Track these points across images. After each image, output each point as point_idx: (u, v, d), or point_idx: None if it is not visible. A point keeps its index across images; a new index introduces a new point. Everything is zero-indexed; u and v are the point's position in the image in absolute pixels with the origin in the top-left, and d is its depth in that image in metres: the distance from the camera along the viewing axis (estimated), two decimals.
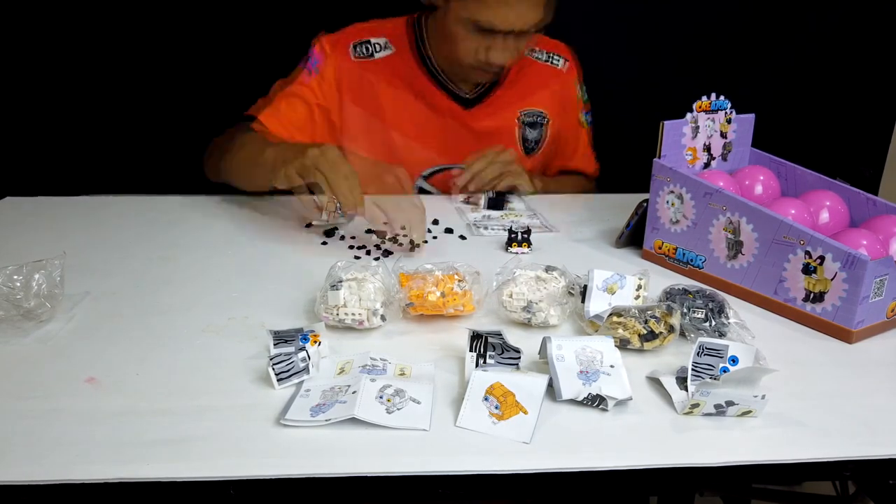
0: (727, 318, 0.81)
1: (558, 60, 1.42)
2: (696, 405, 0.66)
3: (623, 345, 0.77)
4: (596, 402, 0.68)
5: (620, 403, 0.68)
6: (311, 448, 0.62)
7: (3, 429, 0.64)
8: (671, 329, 0.78)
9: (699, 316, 0.81)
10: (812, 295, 0.84)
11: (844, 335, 0.82)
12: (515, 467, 0.60)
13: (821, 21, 1.77)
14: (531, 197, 1.33)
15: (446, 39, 1.27)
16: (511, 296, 0.83)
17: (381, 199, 1.03)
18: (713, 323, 0.80)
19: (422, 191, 1.40)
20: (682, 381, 0.71)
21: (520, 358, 0.72)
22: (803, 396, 0.71)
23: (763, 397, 0.65)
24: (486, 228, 1.18)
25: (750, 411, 0.66)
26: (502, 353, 0.72)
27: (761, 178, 1.03)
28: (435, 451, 0.62)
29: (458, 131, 1.36)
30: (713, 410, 0.67)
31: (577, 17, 1.72)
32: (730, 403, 0.66)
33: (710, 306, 0.82)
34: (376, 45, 1.34)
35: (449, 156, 1.36)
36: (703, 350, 0.71)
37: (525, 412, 0.66)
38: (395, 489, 0.60)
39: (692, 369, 0.70)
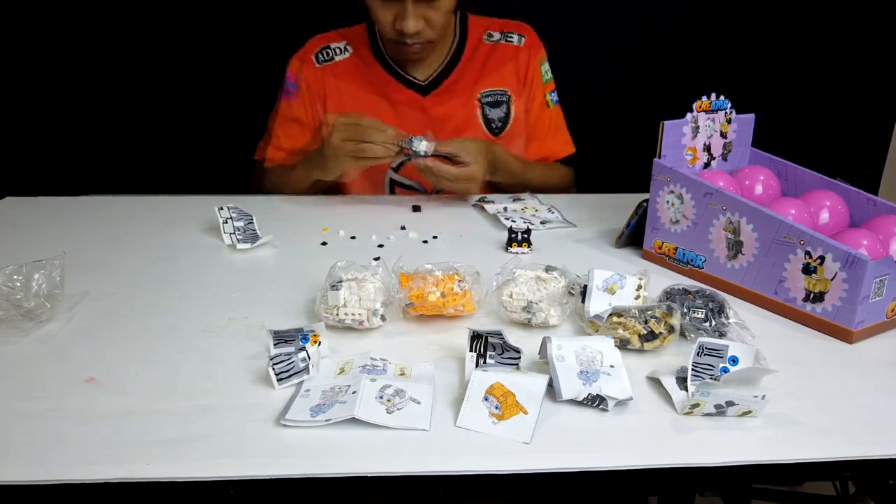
0: (727, 318, 0.81)
1: (513, 37, 1.43)
2: (696, 405, 0.66)
3: (623, 345, 0.77)
4: (596, 402, 0.68)
5: (620, 403, 0.68)
6: (311, 448, 0.62)
7: (3, 429, 0.64)
8: (671, 329, 0.78)
9: (699, 316, 0.81)
10: (812, 295, 0.84)
11: (844, 335, 0.82)
12: (515, 467, 0.60)
13: (821, 21, 1.77)
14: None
15: (372, 20, 1.31)
16: (511, 296, 0.83)
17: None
18: (713, 323, 0.80)
19: (395, 183, 1.42)
20: (682, 381, 0.71)
21: (520, 358, 0.72)
22: (803, 396, 0.71)
23: (763, 397, 0.65)
24: (512, 221, 1.18)
25: (750, 411, 0.66)
26: (502, 353, 0.72)
27: (761, 178, 1.03)
28: (435, 451, 0.62)
29: (419, 119, 1.39)
30: (713, 410, 0.67)
31: (577, 16, 1.72)
32: (730, 403, 0.66)
33: (710, 306, 0.82)
34: (336, 49, 1.41)
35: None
36: (703, 350, 0.71)
37: (525, 412, 0.66)
38: (395, 489, 0.60)
39: (692, 369, 0.70)
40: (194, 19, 1.66)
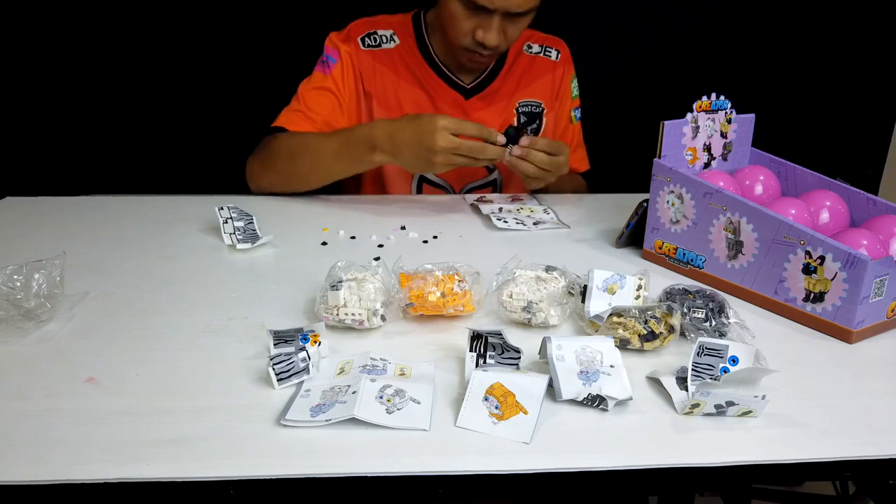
0: (727, 318, 0.81)
1: (551, 52, 1.45)
2: (696, 405, 0.66)
3: (623, 345, 0.77)
4: (596, 402, 0.68)
5: (620, 403, 0.68)
6: (311, 448, 0.62)
7: (3, 429, 0.64)
8: (671, 329, 0.78)
9: (699, 316, 0.81)
10: (812, 295, 0.84)
11: (844, 335, 0.82)
12: (515, 467, 0.60)
13: (821, 21, 1.77)
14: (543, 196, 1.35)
15: (444, 24, 1.29)
16: (511, 296, 0.83)
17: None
18: (713, 323, 0.80)
19: (427, 181, 1.41)
20: (682, 381, 0.71)
21: (520, 358, 0.72)
22: (803, 396, 0.71)
23: (763, 397, 0.65)
24: (504, 221, 1.18)
25: (750, 411, 0.66)
26: (502, 353, 0.72)
27: (761, 178, 1.03)
28: (435, 451, 0.62)
29: (465, 118, 1.37)
30: (713, 410, 0.67)
31: (578, 16, 1.72)
32: (730, 403, 0.66)
33: (711, 306, 0.82)
34: (384, 37, 1.38)
35: None
36: (703, 350, 0.71)
37: (525, 412, 0.66)
38: (396, 489, 0.60)
39: (692, 369, 0.70)
40: (194, 18, 1.66)
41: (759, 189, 1.02)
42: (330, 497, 0.61)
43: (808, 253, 0.83)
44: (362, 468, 0.60)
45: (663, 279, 0.96)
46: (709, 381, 0.68)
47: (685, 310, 0.81)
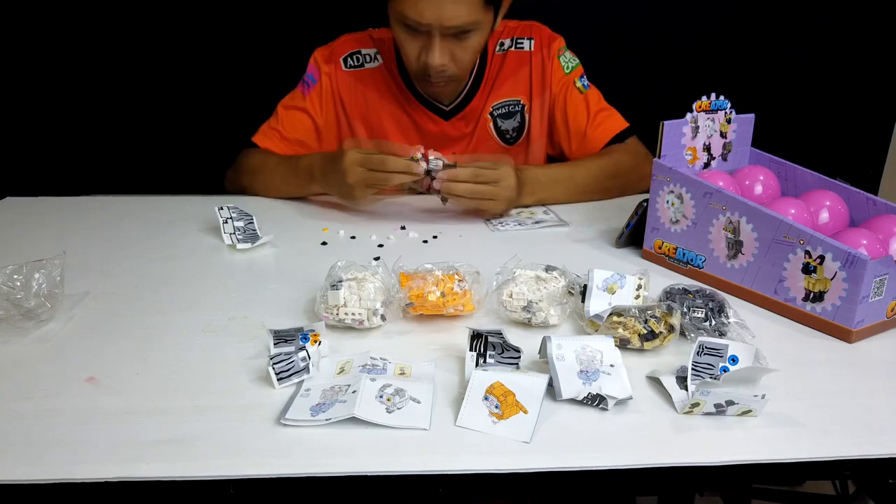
0: (727, 317, 0.81)
1: (523, 42, 1.38)
2: (696, 405, 0.66)
3: (623, 344, 0.77)
4: (596, 401, 0.68)
5: (620, 403, 0.68)
6: (311, 448, 0.62)
7: (3, 428, 0.64)
8: (671, 329, 0.78)
9: (699, 315, 0.81)
10: (812, 294, 0.84)
11: (844, 335, 0.82)
12: (515, 467, 0.60)
13: (821, 21, 1.77)
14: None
15: (400, 52, 1.27)
16: (511, 296, 0.83)
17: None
18: (713, 322, 0.80)
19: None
20: (682, 381, 0.71)
21: (520, 357, 0.72)
22: (803, 396, 0.71)
23: (763, 397, 0.65)
24: (502, 224, 1.18)
25: (750, 411, 0.66)
26: (502, 352, 0.72)
27: (761, 177, 1.03)
28: (435, 451, 0.62)
29: (442, 140, 1.38)
30: (713, 410, 0.67)
31: (578, 16, 1.72)
32: (730, 403, 0.66)
33: (710, 306, 0.82)
34: (367, 56, 1.37)
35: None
36: (703, 349, 0.71)
37: (525, 412, 0.66)
38: (396, 489, 0.60)
39: (692, 369, 0.70)
40: (194, 18, 1.66)
41: (758, 189, 1.02)
42: (330, 496, 0.61)
43: (807, 252, 0.83)
44: (362, 468, 0.60)
45: (663, 279, 0.96)
46: (709, 380, 0.68)
47: (685, 309, 0.81)
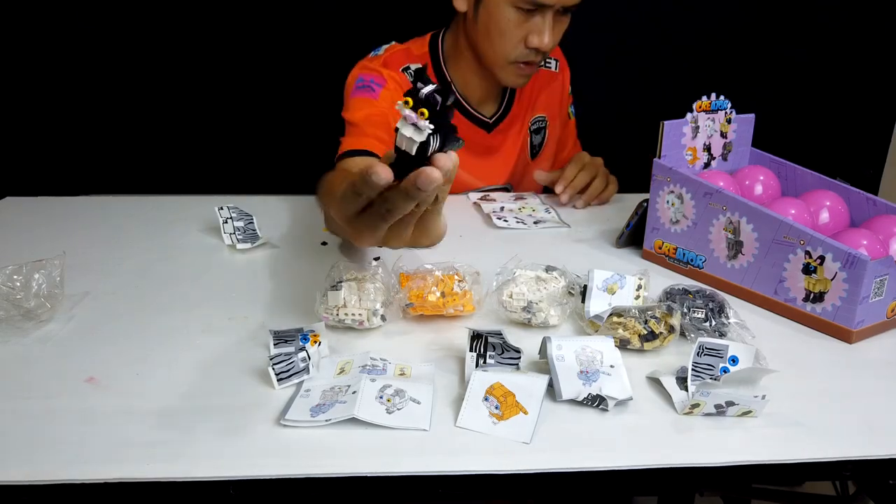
0: (727, 318, 0.81)
1: (551, 62, 1.44)
2: (696, 405, 0.66)
3: (623, 345, 0.77)
4: (596, 402, 0.68)
5: (621, 404, 0.68)
6: (311, 448, 0.62)
7: (3, 429, 0.64)
8: (671, 329, 0.78)
9: (699, 316, 0.81)
10: (812, 295, 0.84)
11: (844, 335, 0.82)
12: (515, 467, 0.60)
13: (821, 21, 1.77)
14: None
15: (491, 40, 1.22)
16: (511, 296, 0.83)
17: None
18: (713, 323, 0.80)
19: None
20: (682, 381, 0.71)
21: (520, 358, 0.72)
22: (803, 397, 0.71)
23: (763, 397, 0.65)
24: (504, 220, 1.19)
25: (750, 411, 0.66)
26: (502, 353, 0.72)
27: (761, 178, 1.03)
28: (435, 452, 0.62)
29: (486, 154, 1.39)
30: (713, 410, 0.67)
31: (578, 16, 1.72)
32: (730, 403, 0.66)
33: (710, 306, 0.82)
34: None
35: (483, 178, 1.40)
36: (703, 350, 0.71)
37: (525, 412, 0.66)
38: (395, 489, 0.60)
39: (692, 369, 0.70)
40: (194, 19, 1.66)
41: (759, 189, 1.02)
42: (330, 497, 0.61)
43: (807, 253, 0.83)
44: (362, 468, 0.60)
45: (663, 279, 0.96)
46: (709, 380, 0.68)
47: (685, 310, 0.81)
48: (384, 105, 1.20)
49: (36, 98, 1.70)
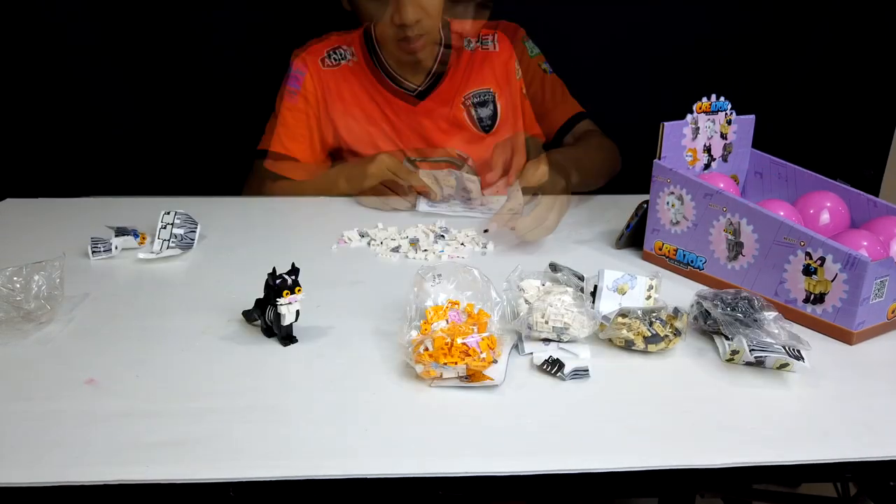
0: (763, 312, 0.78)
1: (488, 42, 1.48)
2: (736, 352, 0.71)
3: (628, 346, 0.77)
4: (555, 366, 0.72)
5: (578, 375, 0.72)
6: (311, 449, 0.62)
7: (3, 430, 0.64)
8: (677, 332, 0.77)
9: (736, 314, 0.77)
10: (812, 296, 0.84)
11: (845, 336, 0.82)
12: (515, 469, 0.60)
13: (821, 22, 1.77)
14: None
15: (374, 27, 1.36)
16: (545, 319, 0.78)
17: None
18: (751, 318, 0.77)
19: None
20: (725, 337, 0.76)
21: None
22: (804, 398, 0.71)
23: (799, 354, 0.70)
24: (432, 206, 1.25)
25: (787, 364, 0.71)
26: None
27: (828, 204, 0.97)
28: (435, 453, 0.62)
29: (411, 124, 1.45)
30: (752, 359, 0.72)
31: (577, 16, 1.72)
32: (766, 349, 0.71)
33: (742, 306, 0.79)
34: (343, 54, 1.44)
35: (409, 146, 1.46)
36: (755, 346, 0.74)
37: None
38: (395, 490, 0.60)
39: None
40: (194, 21, 1.66)
41: (825, 217, 0.96)
42: (330, 498, 0.61)
43: (808, 254, 0.83)
44: (362, 470, 0.60)
45: (663, 279, 0.95)
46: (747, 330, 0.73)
47: (721, 306, 0.78)
48: (300, 103, 1.41)
49: (36, 100, 1.70)
